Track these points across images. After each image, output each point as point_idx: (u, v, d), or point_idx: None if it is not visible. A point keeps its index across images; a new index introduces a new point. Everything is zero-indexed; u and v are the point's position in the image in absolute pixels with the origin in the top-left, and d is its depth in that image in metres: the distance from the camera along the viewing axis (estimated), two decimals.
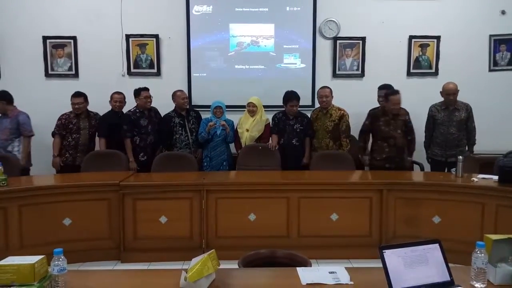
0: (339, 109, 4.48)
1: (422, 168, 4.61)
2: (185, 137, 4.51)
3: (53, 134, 4.47)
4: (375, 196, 3.57)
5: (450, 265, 1.63)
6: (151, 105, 4.60)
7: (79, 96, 4.45)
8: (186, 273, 1.60)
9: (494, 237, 1.68)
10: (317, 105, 4.73)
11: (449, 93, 4.26)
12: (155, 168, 4.12)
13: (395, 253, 1.58)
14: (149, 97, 4.52)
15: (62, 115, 4.50)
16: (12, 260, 1.60)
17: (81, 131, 4.48)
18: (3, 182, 3.31)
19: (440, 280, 1.59)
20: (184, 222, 3.54)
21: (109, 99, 4.64)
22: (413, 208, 3.54)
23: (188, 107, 4.72)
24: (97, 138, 4.58)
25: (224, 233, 3.56)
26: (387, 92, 4.28)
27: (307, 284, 1.66)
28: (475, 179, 3.55)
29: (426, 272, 1.58)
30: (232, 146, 4.60)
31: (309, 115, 4.60)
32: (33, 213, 3.33)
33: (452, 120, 4.32)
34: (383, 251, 1.57)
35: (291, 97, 4.43)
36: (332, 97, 4.47)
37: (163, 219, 3.51)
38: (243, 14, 5.23)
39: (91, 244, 3.48)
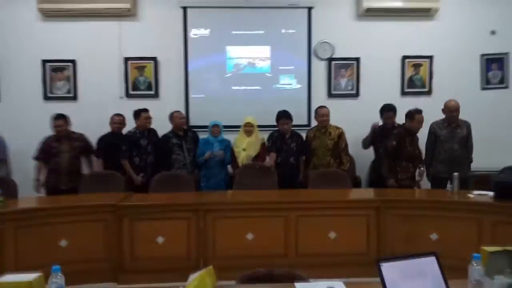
0: (337, 127, 4.57)
1: (419, 186, 4.60)
2: (182, 158, 4.53)
3: (35, 158, 4.41)
4: (372, 214, 3.58)
5: (449, 281, 1.63)
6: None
7: (59, 119, 4.34)
8: None
9: (490, 249, 1.69)
10: (313, 124, 4.77)
11: (453, 109, 4.30)
12: (152, 189, 4.12)
13: (392, 266, 1.59)
14: (149, 118, 4.58)
15: (44, 139, 4.42)
16: (10, 278, 1.60)
17: (62, 154, 4.34)
18: (0, 204, 3.30)
19: None
20: (181, 243, 3.51)
21: (109, 121, 4.68)
22: (411, 225, 3.53)
23: (185, 127, 4.76)
24: (94, 159, 4.60)
25: (222, 253, 3.53)
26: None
27: None
28: (471, 196, 3.56)
29: (423, 285, 1.59)
30: (228, 165, 4.62)
31: (304, 135, 4.65)
32: (29, 235, 3.31)
33: (455, 137, 4.35)
34: (380, 264, 1.58)
35: (281, 116, 4.52)
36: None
37: (160, 240, 3.49)
38: (239, 37, 5.34)
39: (88, 265, 3.43)
